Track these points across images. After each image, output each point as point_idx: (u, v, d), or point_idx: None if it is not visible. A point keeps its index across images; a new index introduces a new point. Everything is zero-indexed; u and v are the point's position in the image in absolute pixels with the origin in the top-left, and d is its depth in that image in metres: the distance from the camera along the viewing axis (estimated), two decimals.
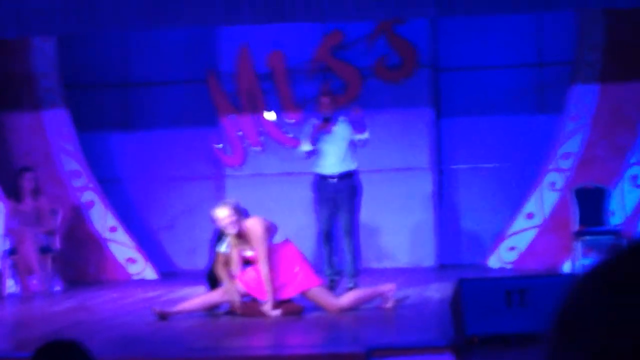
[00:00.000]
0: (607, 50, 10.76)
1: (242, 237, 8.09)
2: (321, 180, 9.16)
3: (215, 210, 8.10)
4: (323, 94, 9.57)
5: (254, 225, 8.03)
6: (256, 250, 8.03)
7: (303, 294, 8.15)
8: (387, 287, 8.28)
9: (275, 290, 8.03)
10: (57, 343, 2.98)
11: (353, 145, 9.11)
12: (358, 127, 9.06)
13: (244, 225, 8.05)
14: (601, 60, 10.80)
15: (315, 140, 9.10)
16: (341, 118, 9.20)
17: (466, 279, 6.84)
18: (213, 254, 8.56)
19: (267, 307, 8.00)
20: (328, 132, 9.10)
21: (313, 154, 9.17)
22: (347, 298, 8.26)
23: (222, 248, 8.27)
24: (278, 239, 8.20)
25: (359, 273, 9.16)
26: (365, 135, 9.04)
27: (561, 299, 0.79)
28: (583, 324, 0.75)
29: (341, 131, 9.11)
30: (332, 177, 9.08)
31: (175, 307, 8.19)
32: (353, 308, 8.15)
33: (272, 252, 8.06)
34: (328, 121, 9.13)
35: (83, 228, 11.51)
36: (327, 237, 9.13)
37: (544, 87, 11.50)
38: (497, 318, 6.52)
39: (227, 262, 8.24)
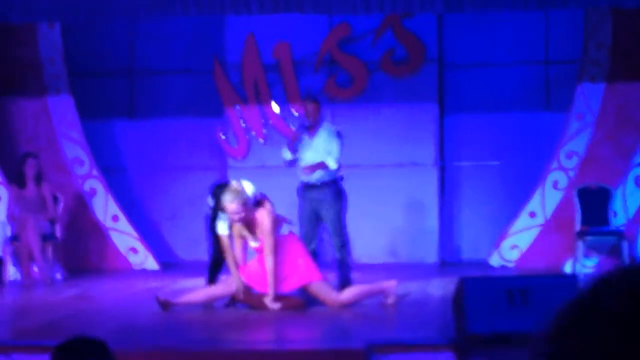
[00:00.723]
0: (614, 50, 10.72)
1: (249, 226, 8.04)
2: (304, 188, 8.96)
3: (224, 197, 8.00)
4: (306, 100, 9.35)
5: (263, 217, 7.98)
6: (262, 242, 8.00)
7: (304, 288, 8.13)
8: (389, 284, 8.27)
9: (278, 283, 8.01)
10: (82, 340, 2.94)
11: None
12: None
13: (253, 215, 7.99)
14: (608, 59, 10.76)
15: (294, 149, 8.92)
16: (325, 125, 9.06)
17: (468, 277, 6.83)
18: (211, 238, 8.55)
19: (269, 300, 7.99)
20: (311, 136, 8.91)
21: (294, 163, 8.99)
22: (348, 293, 8.24)
23: (222, 230, 8.22)
24: (282, 231, 8.18)
25: (351, 269, 8.92)
26: (331, 165, 8.75)
27: (565, 302, 0.77)
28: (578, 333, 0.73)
29: (323, 139, 8.92)
30: (314, 185, 8.84)
31: (178, 298, 8.18)
32: (354, 304, 8.14)
33: (276, 244, 8.03)
34: (311, 128, 8.94)
35: (85, 216, 11.50)
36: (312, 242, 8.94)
37: (550, 85, 11.45)
38: (499, 317, 6.51)
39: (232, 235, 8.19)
